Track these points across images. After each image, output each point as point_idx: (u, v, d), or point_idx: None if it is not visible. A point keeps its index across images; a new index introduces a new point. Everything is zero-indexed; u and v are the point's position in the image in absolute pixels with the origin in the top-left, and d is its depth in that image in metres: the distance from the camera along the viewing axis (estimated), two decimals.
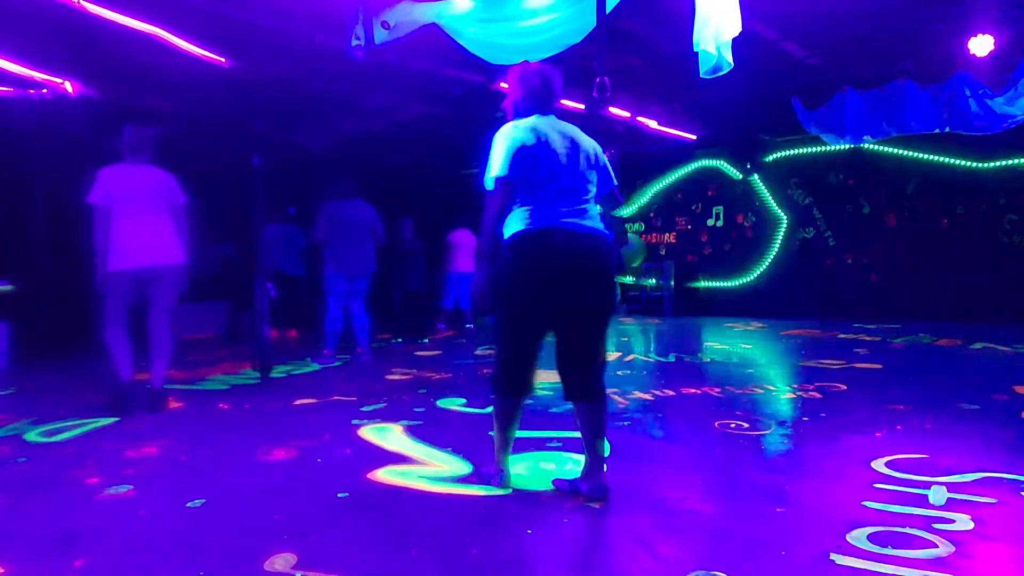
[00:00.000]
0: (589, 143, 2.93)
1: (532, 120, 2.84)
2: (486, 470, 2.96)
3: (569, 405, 2.88)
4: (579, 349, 2.79)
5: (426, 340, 8.65)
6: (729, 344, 7.95)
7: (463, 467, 3.24)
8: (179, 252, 4.79)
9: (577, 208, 2.77)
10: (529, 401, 3.13)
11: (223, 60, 6.68)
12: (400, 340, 8.62)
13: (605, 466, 2.79)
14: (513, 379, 2.82)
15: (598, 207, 2.93)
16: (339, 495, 2.87)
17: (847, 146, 9.83)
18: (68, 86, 7.11)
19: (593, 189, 2.88)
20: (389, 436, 3.86)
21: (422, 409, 4.58)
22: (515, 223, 2.75)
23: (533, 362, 2.84)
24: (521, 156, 2.72)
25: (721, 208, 12.13)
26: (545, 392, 5.09)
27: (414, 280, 9.51)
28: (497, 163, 2.74)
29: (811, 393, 4.83)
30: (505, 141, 2.76)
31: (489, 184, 2.78)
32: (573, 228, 2.72)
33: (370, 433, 3.94)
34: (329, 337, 6.71)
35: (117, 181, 4.67)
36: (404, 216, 9.48)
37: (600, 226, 2.82)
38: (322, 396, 5.12)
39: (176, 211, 4.82)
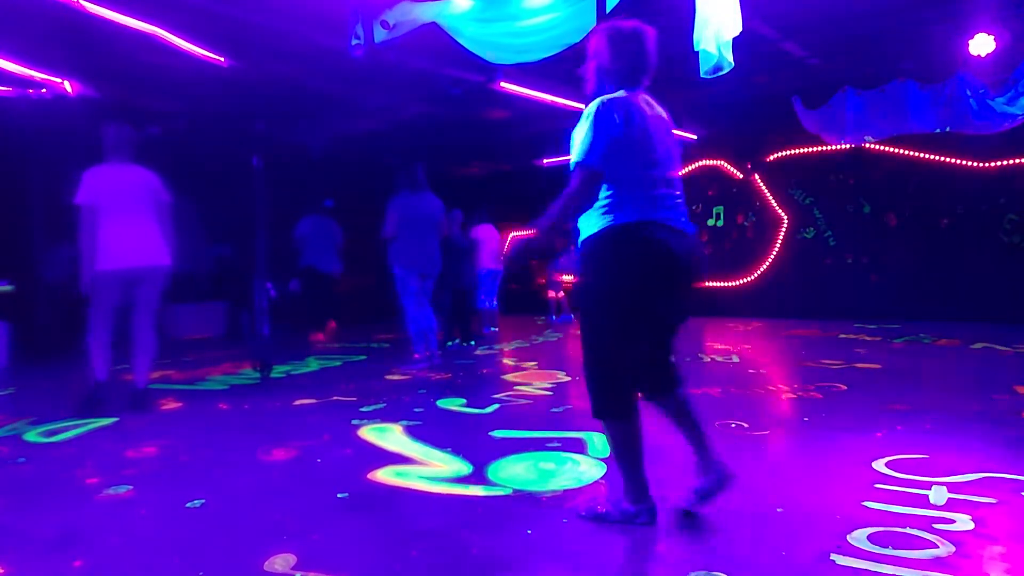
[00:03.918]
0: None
1: (624, 97, 2.43)
2: (624, 507, 2.48)
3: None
4: (668, 349, 2.65)
5: (472, 343, 8.40)
6: (729, 344, 7.94)
7: (463, 467, 3.24)
8: (165, 253, 4.78)
9: (676, 202, 2.49)
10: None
11: (223, 60, 6.67)
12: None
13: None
14: (627, 395, 2.51)
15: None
16: (339, 495, 2.87)
17: (847, 146, 9.82)
18: (68, 86, 7.11)
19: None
20: (389, 436, 3.86)
21: (422, 409, 4.58)
22: (608, 215, 2.40)
23: (642, 371, 2.57)
24: (614, 143, 2.34)
25: (721, 208, 12.10)
26: (545, 392, 5.10)
27: (465, 279, 8.65)
28: (584, 147, 2.36)
29: (811, 393, 4.83)
30: (597, 122, 2.35)
31: (572, 168, 2.42)
32: (676, 226, 2.43)
33: (370, 433, 3.94)
34: (416, 340, 6.33)
35: (102, 181, 4.66)
36: (452, 210, 8.55)
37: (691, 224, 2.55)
38: (322, 396, 5.12)
39: (161, 210, 4.80)
